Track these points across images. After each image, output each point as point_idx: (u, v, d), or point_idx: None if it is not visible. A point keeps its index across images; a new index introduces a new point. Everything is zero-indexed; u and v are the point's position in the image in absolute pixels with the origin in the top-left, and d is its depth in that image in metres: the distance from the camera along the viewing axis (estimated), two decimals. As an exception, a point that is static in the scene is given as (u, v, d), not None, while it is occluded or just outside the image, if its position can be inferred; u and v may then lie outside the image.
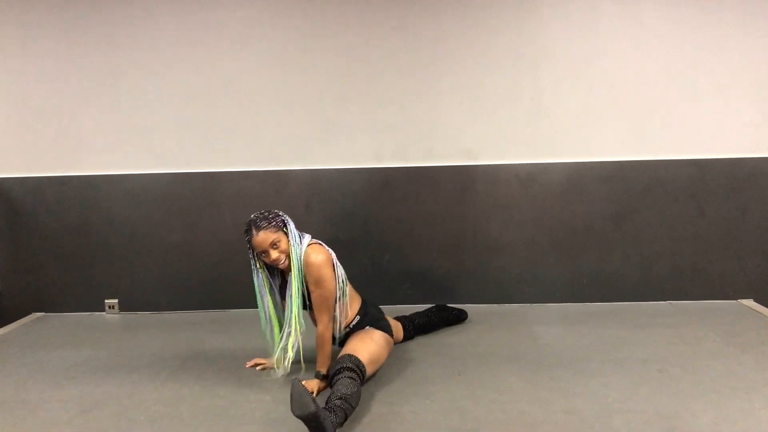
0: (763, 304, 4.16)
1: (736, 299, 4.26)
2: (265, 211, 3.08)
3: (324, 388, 2.93)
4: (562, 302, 4.33)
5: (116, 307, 4.48)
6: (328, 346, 3.01)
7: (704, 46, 4.13)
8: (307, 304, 3.07)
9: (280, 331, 3.11)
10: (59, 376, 3.25)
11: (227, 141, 4.34)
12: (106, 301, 4.49)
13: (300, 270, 3.00)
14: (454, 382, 2.98)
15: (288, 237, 3.02)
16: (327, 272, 3.00)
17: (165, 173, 4.38)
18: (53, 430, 2.61)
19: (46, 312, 4.53)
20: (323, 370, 2.97)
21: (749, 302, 4.19)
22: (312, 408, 2.32)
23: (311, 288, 3.00)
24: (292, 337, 3.00)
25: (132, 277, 4.47)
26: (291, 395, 2.37)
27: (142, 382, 3.13)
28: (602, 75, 4.19)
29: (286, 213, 4.30)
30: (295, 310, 3.00)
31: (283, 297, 3.11)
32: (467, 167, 4.29)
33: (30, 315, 4.49)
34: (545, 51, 4.18)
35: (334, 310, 3.06)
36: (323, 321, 3.01)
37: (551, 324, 3.87)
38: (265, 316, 3.14)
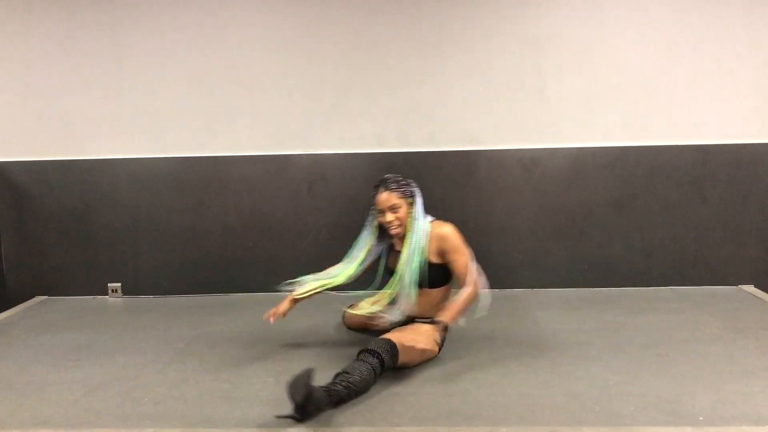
0: (764, 289, 4.17)
1: (737, 285, 4.27)
2: (400, 177, 3.13)
3: (442, 334, 3.03)
4: (564, 287, 4.34)
5: (119, 291, 4.51)
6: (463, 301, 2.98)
7: (708, 31, 4.11)
8: (422, 282, 3.04)
9: (331, 287, 3.22)
10: (63, 358, 3.27)
11: (231, 125, 4.35)
12: (109, 284, 4.52)
13: (421, 246, 3.02)
14: (456, 365, 2.99)
15: (412, 208, 3.08)
16: (460, 238, 3.05)
17: (168, 157, 4.38)
18: (58, 411, 2.63)
19: (49, 295, 4.55)
20: (446, 320, 2.94)
21: (750, 288, 4.21)
22: (297, 398, 2.37)
23: (453, 258, 3.00)
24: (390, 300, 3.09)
25: (135, 261, 4.49)
26: (294, 378, 2.40)
27: (145, 364, 3.15)
28: (606, 60, 4.17)
29: (289, 197, 4.35)
30: (408, 278, 3.02)
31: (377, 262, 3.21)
32: (470, 152, 4.29)
33: (34, 298, 4.51)
34: (549, 36, 4.17)
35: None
36: (470, 283, 2.98)
37: (553, 309, 3.88)
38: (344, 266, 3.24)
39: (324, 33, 4.24)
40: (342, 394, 2.53)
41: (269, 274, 4.41)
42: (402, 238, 3.10)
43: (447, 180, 4.31)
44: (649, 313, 3.76)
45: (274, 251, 4.42)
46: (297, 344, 3.36)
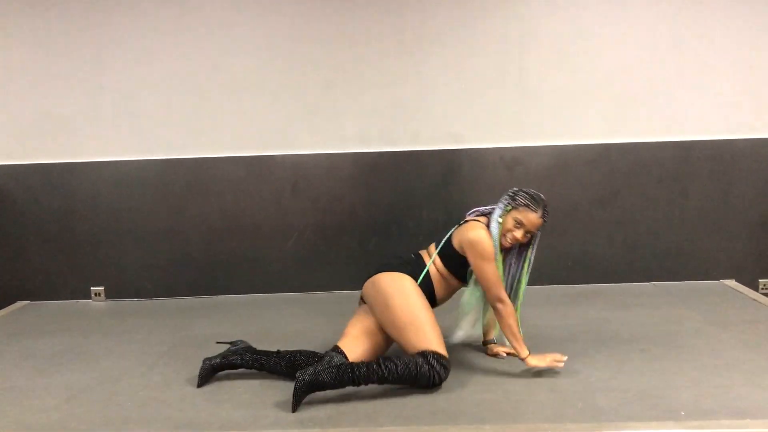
0: (745, 284, 4.21)
1: (719, 279, 4.31)
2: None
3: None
4: (548, 284, 4.36)
5: (102, 294, 4.47)
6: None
7: (688, 28, 4.15)
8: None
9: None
10: (45, 363, 3.24)
11: (213, 127, 4.33)
12: (92, 288, 4.48)
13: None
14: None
15: None
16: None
17: (150, 159, 4.36)
18: (40, 417, 2.61)
19: (31, 300, 4.50)
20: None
21: (731, 282, 4.24)
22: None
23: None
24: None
25: (118, 264, 4.46)
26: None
27: (129, 368, 3.13)
28: (587, 57, 4.20)
29: (272, 198, 4.34)
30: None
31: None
32: (453, 151, 4.30)
33: (15, 303, 4.46)
34: (531, 32, 4.19)
35: None
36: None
37: (536, 305, 3.89)
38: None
39: (306, 32, 4.23)
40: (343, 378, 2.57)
41: (253, 275, 4.42)
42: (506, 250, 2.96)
43: (431, 178, 4.32)
44: (632, 309, 3.79)
45: (257, 252, 4.41)
46: (281, 346, 3.34)
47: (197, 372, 2.96)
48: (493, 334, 3.17)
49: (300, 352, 2.87)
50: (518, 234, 2.84)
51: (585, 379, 2.77)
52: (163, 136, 4.34)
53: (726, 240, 4.30)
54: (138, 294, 4.48)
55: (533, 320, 3.62)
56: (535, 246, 2.96)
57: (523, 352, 2.80)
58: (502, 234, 2.85)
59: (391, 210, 4.37)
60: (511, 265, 2.95)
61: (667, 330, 3.37)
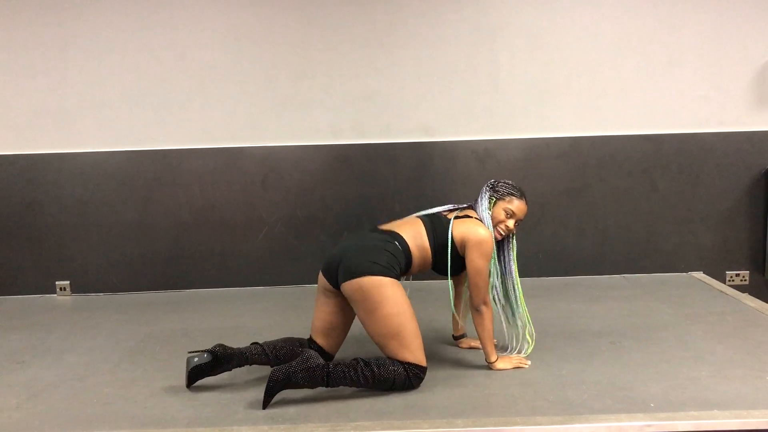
0: (713, 276, 4.27)
1: (687, 272, 4.36)
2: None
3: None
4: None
5: (68, 289, 4.38)
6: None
7: (658, 21, 4.18)
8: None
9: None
10: (7, 360, 3.16)
11: (180, 118, 4.25)
12: (57, 282, 4.38)
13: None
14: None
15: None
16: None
17: (116, 151, 4.27)
18: (1, 416, 2.54)
19: (-6, 295, 4.40)
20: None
21: (699, 275, 4.30)
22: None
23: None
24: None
25: (84, 258, 4.37)
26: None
27: (94, 364, 3.06)
28: (558, 50, 4.21)
29: (242, 191, 4.29)
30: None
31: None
32: (425, 144, 4.28)
33: (-23, 298, 4.36)
34: (502, 26, 4.18)
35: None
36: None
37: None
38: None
39: (276, 22, 4.18)
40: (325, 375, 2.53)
41: (222, 269, 4.36)
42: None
43: (403, 171, 4.30)
44: (602, 301, 3.81)
45: (227, 246, 4.35)
46: (251, 341, 3.30)
47: (165, 367, 2.92)
48: (463, 329, 3.16)
49: (285, 341, 2.85)
50: (510, 223, 2.85)
51: (556, 372, 2.77)
52: (130, 128, 4.25)
53: (694, 232, 4.35)
54: (104, 288, 4.39)
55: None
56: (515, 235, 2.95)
57: (494, 356, 2.81)
58: (494, 226, 2.84)
59: (362, 203, 4.34)
60: (504, 257, 2.94)
61: (636, 322, 3.40)
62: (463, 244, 2.77)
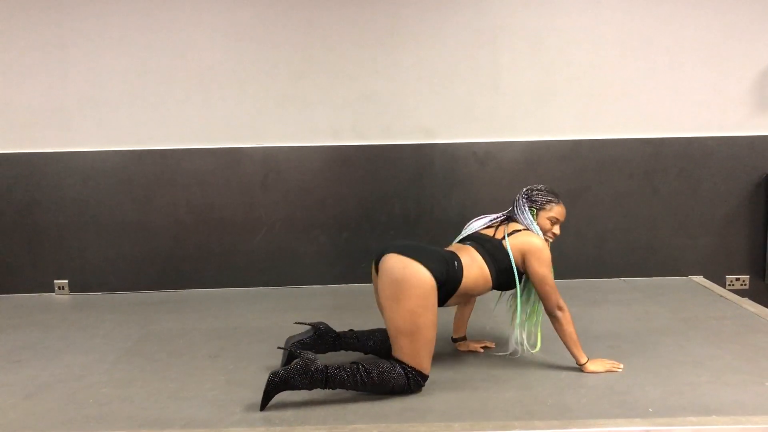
0: (713, 280, 4.26)
1: (687, 276, 4.35)
2: None
3: None
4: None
5: (66, 288, 4.37)
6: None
7: (659, 26, 4.17)
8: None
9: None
10: (3, 359, 3.15)
11: (180, 118, 4.24)
12: (55, 281, 4.37)
13: None
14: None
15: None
16: None
17: (116, 150, 4.26)
18: (-3, 415, 2.53)
19: (-8, 293, 4.39)
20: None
21: (699, 279, 4.29)
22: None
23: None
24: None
25: (83, 257, 4.36)
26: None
27: (91, 364, 3.05)
28: (560, 53, 4.20)
29: (241, 191, 4.28)
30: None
31: None
32: (425, 146, 4.28)
33: (-25, 297, 4.35)
34: (504, 28, 4.17)
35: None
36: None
37: (506, 301, 3.88)
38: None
39: (277, 22, 4.17)
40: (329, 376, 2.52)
41: (221, 269, 4.36)
42: None
43: (403, 173, 4.29)
44: (601, 305, 3.80)
45: (226, 246, 4.34)
46: (249, 342, 3.30)
47: (162, 368, 2.91)
48: (464, 331, 3.15)
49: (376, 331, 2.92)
50: (556, 230, 2.92)
51: (554, 376, 2.76)
52: (130, 127, 4.24)
53: (694, 237, 4.34)
54: (103, 288, 4.38)
55: (503, 316, 3.60)
56: None
57: (583, 358, 2.77)
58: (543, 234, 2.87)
59: (362, 204, 4.33)
60: None
61: (635, 327, 3.39)
62: (522, 258, 2.77)
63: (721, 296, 3.91)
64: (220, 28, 4.17)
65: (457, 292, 2.71)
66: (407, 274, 2.54)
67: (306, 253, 4.36)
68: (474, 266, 2.74)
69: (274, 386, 2.48)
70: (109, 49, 4.18)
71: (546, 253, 2.76)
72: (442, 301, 2.68)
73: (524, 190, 2.95)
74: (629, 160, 4.28)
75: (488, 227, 2.94)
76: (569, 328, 2.74)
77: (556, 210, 2.91)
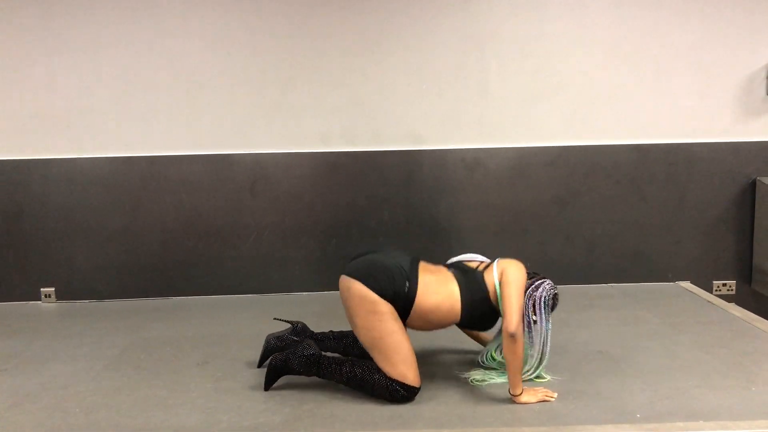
0: (700, 285, 4.28)
1: (674, 281, 4.37)
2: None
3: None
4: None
5: (53, 296, 4.33)
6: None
7: (647, 32, 4.19)
8: None
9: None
10: (-11, 368, 3.12)
11: (168, 124, 4.23)
12: (42, 289, 4.34)
13: None
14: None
15: None
16: None
17: (104, 157, 4.23)
18: (-18, 425, 2.51)
19: (-23, 301, 4.35)
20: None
21: (686, 284, 4.31)
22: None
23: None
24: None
25: (70, 265, 4.32)
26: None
27: (78, 372, 3.03)
28: (547, 59, 4.21)
29: (230, 198, 4.26)
30: None
31: None
32: (414, 152, 4.28)
33: (-40, 305, 4.31)
34: (492, 34, 4.19)
35: None
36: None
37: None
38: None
39: (265, 28, 4.16)
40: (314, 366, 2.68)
41: (209, 276, 4.34)
42: None
43: (392, 179, 4.29)
44: (590, 310, 3.81)
45: (214, 253, 4.32)
46: (237, 349, 3.29)
47: (149, 376, 2.89)
48: (481, 337, 3.13)
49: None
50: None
51: (542, 382, 2.77)
52: (117, 133, 4.22)
53: (681, 242, 4.36)
54: (90, 296, 4.35)
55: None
56: None
57: (519, 389, 2.58)
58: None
59: (351, 211, 4.33)
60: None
61: (624, 332, 3.40)
62: (501, 281, 2.67)
63: (708, 301, 3.93)
64: (208, 35, 4.16)
65: (414, 313, 2.64)
66: (351, 294, 2.64)
67: (295, 259, 4.35)
68: (441, 291, 2.67)
69: (273, 369, 2.70)
70: (96, 56, 4.16)
71: (523, 275, 2.68)
72: (402, 317, 2.65)
73: (536, 281, 2.75)
74: (617, 166, 4.30)
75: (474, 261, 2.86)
76: (521, 352, 2.56)
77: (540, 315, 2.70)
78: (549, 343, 2.75)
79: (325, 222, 4.33)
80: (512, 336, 2.52)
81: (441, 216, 4.32)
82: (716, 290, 4.35)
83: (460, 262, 2.87)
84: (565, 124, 4.27)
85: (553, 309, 2.76)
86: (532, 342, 2.71)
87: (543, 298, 2.69)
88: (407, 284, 2.62)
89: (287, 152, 4.26)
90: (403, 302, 2.62)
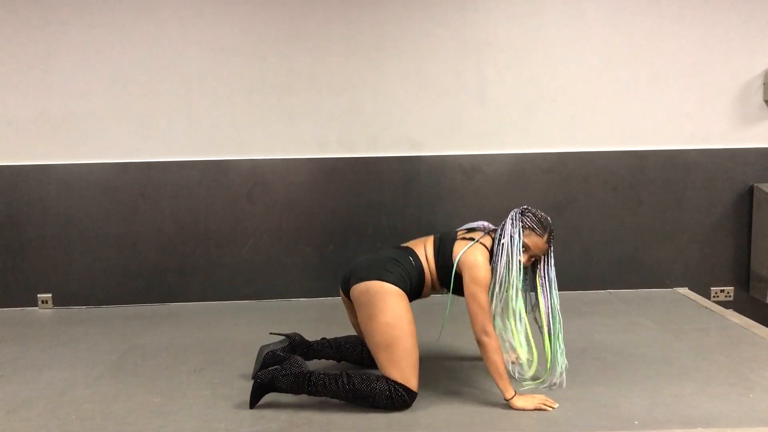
0: (697, 292, 4.28)
1: (672, 288, 4.37)
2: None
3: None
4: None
5: (50, 302, 4.32)
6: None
7: (643, 40, 4.21)
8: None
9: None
10: (-15, 374, 3.11)
11: (166, 130, 4.23)
12: (39, 295, 4.32)
13: None
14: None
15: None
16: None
17: (100, 163, 4.23)
18: (-23, 432, 2.49)
19: (-26, 307, 4.34)
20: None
21: (684, 290, 4.31)
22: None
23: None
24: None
25: (66, 271, 4.31)
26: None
27: (74, 379, 3.02)
28: (545, 66, 4.22)
29: (227, 204, 4.26)
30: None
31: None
32: (412, 158, 4.28)
33: (-43, 311, 4.29)
34: (489, 40, 4.20)
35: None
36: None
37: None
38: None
39: (263, 35, 4.17)
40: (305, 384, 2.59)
41: (207, 282, 4.33)
42: None
43: (389, 185, 4.29)
44: (587, 317, 3.81)
45: (212, 259, 4.31)
46: (234, 356, 3.28)
47: (146, 382, 2.87)
48: None
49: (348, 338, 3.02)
50: (524, 259, 2.68)
51: (540, 389, 2.76)
52: (114, 139, 4.22)
53: (679, 248, 4.37)
54: (87, 302, 4.34)
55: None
56: (549, 262, 2.78)
57: (509, 392, 2.54)
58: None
59: (349, 216, 4.33)
60: (540, 280, 2.79)
61: (621, 339, 3.40)
62: (460, 265, 2.66)
63: (705, 308, 3.93)
64: (205, 42, 4.17)
65: (427, 280, 2.78)
66: (371, 293, 2.61)
67: (292, 265, 4.35)
68: (428, 256, 2.79)
69: (258, 387, 2.59)
70: (93, 62, 4.16)
71: (478, 272, 2.59)
72: (417, 294, 2.79)
73: (523, 207, 2.80)
74: (614, 172, 4.31)
75: (472, 229, 2.86)
76: (495, 356, 2.51)
77: (534, 240, 2.66)
78: (559, 319, 2.76)
79: (323, 228, 4.32)
80: (479, 342, 2.55)
81: (439, 222, 4.32)
82: (714, 297, 4.35)
83: (450, 230, 2.90)
84: (562, 131, 4.27)
85: (546, 231, 2.70)
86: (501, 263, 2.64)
87: (518, 233, 2.67)
88: (410, 257, 2.74)
89: (285, 158, 4.26)
90: (417, 274, 2.73)
